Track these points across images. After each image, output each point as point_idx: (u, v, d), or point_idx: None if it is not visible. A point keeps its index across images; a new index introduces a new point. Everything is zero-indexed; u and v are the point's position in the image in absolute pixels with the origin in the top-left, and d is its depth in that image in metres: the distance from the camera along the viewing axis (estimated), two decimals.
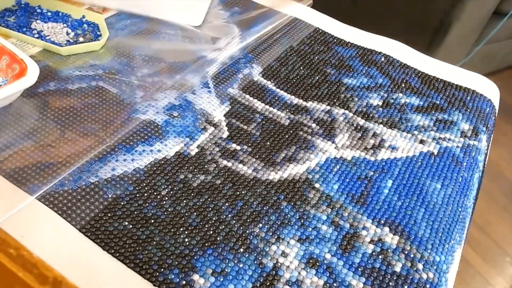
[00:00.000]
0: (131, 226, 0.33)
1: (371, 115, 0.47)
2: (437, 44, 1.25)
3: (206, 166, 0.39)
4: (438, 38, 1.24)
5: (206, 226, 0.34)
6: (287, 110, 0.46)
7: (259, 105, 0.46)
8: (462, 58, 1.33)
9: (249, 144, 0.42)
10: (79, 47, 0.47)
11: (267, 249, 0.34)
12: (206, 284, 0.31)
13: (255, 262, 0.33)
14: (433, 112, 0.49)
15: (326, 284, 0.32)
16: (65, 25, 0.50)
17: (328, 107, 0.47)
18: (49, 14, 0.51)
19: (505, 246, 1.12)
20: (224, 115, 0.44)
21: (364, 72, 0.53)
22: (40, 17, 0.51)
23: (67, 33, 0.49)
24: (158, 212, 0.34)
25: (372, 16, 1.32)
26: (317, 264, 0.33)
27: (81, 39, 0.49)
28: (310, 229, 0.35)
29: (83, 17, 0.52)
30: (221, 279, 0.31)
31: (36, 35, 0.48)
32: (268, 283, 0.32)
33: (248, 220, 0.35)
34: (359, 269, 0.33)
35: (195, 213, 0.35)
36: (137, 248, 0.32)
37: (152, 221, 0.34)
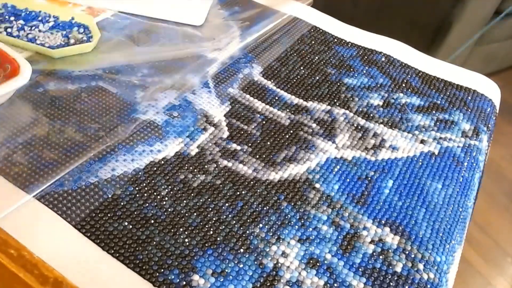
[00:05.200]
0: (131, 226, 0.33)
1: (371, 115, 0.47)
2: (438, 44, 1.25)
3: (206, 166, 0.39)
4: (439, 37, 1.24)
5: (206, 226, 0.34)
6: (288, 110, 0.46)
7: (259, 105, 0.46)
8: (462, 58, 1.32)
9: (250, 144, 0.41)
10: (71, 49, 0.47)
11: (267, 250, 0.33)
12: (206, 285, 0.31)
13: (255, 262, 0.33)
14: (433, 112, 0.49)
15: (326, 284, 0.32)
16: (55, 27, 0.50)
17: (329, 107, 0.47)
18: (37, 16, 0.51)
19: (506, 246, 1.12)
20: (224, 115, 0.44)
21: (364, 72, 0.53)
22: (28, 20, 0.50)
23: (58, 36, 0.49)
24: (158, 212, 0.34)
25: (372, 15, 1.32)
26: (318, 264, 0.33)
27: (72, 41, 0.49)
28: (311, 229, 0.35)
29: (72, 18, 0.51)
30: (221, 280, 0.31)
31: (25, 39, 0.48)
32: (268, 284, 0.32)
33: (248, 221, 0.35)
34: (360, 270, 0.33)
35: (195, 213, 0.35)
36: (137, 248, 0.32)
37: (152, 221, 0.34)
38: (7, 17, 0.50)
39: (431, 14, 1.24)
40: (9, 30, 0.48)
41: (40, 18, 0.51)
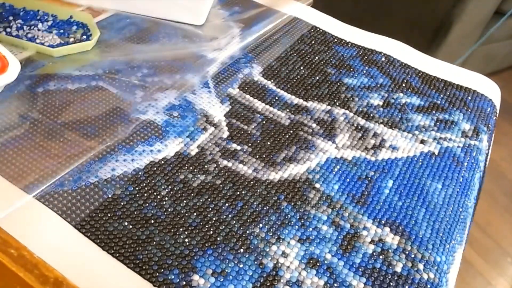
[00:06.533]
0: (131, 226, 0.33)
1: (371, 115, 0.47)
2: (438, 44, 1.25)
3: (206, 166, 0.39)
4: (439, 37, 1.24)
5: (206, 226, 0.34)
6: (288, 110, 0.46)
7: (259, 105, 0.46)
8: (461, 58, 1.32)
9: (249, 144, 0.41)
10: (71, 48, 0.47)
11: (267, 250, 0.33)
12: (206, 285, 0.31)
13: (255, 262, 0.33)
14: (433, 112, 0.49)
15: (326, 284, 0.32)
16: (54, 26, 0.50)
17: (329, 107, 0.47)
18: (35, 15, 0.51)
19: (506, 246, 1.12)
20: (224, 115, 0.44)
21: (364, 72, 0.53)
22: (27, 19, 0.50)
23: (57, 34, 0.49)
24: (158, 212, 0.34)
25: (373, 15, 1.32)
26: (318, 264, 0.33)
27: (71, 39, 0.49)
28: (311, 229, 0.35)
29: (71, 17, 0.51)
30: (221, 280, 0.31)
31: (25, 38, 0.47)
32: (268, 284, 0.32)
33: (248, 220, 0.35)
34: (360, 270, 0.33)
35: (195, 213, 0.35)
36: (137, 248, 0.32)
37: (152, 221, 0.34)
38: (5, 16, 0.50)
39: (431, 14, 1.24)
40: (8, 29, 0.48)
41: (38, 17, 0.51)
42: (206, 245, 0.33)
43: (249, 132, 0.43)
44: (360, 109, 0.48)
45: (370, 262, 0.34)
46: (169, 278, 0.31)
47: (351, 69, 0.53)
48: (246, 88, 0.47)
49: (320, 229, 0.35)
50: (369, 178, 0.40)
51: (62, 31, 0.50)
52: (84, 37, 0.49)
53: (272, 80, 0.49)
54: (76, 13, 0.51)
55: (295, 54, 0.54)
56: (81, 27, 0.51)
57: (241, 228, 0.34)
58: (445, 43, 1.24)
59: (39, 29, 0.49)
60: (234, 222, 0.35)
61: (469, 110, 0.50)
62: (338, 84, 0.51)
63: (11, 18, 0.50)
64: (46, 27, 0.50)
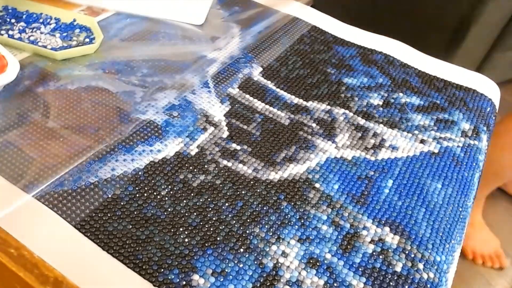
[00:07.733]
0: (131, 226, 0.33)
1: (371, 114, 0.47)
2: (456, 45, 1.24)
3: (206, 166, 0.39)
4: (458, 39, 1.23)
5: (206, 226, 0.34)
6: (287, 110, 0.46)
7: (259, 104, 0.46)
8: (480, 61, 1.30)
9: (249, 144, 0.41)
10: (74, 51, 0.47)
11: (267, 249, 0.33)
12: (206, 284, 0.31)
13: (255, 262, 0.33)
14: (433, 111, 0.49)
15: (326, 284, 0.32)
16: (57, 29, 0.50)
17: (328, 107, 0.47)
18: (37, 18, 0.51)
19: (506, 246, 1.12)
20: (224, 115, 0.44)
21: (364, 71, 0.53)
22: (29, 22, 0.50)
23: (60, 37, 0.49)
24: (158, 212, 0.34)
25: (391, 16, 1.31)
26: (318, 264, 0.33)
27: (74, 42, 0.49)
28: (310, 229, 0.35)
29: (74, 20, 0.51)
30: (221, 279, 0.31)
31: (27, 41, 0.47)
32: (268, 283, 0.32)
33: (248, 220, 0.35)
34: (360, 269, 0.33)
35: (195, 213, 0.35)
36: (137, 248, 0.32)
37: (152, 221, 0.34)
38: (8, 19, 0.50)
39: (450, 15, 1.22)
40: (10, 32, 0.48)
41: (41, 20, 0.51)
42: (206, 245, 0.33)
43: (249, 132, 0.43)
44: (360, 109, 0.48)
45: (370, 261, 0.34)
46: (169, 278, 0.31)
47: (351, 69, 0.53)
48: (246, 88, 0.47)
49: (320, 229, 0.36)
50: (369, 178, 0.40)
51: (65, 34, 0.50)
52: (87, 40, 0.49)
53: (271, 80, 0.49)
54: (79, 16, 0.51)
55: (294, 54, 0.54)
56: (84, 30, 0.50)
57: (241, 228, 0.34)
58: (463, 44, 1.23)
59: (41, 32, 0.49)
60: (234, 222, 0.35)
61: (469, 110, 0.50)
62: (338, 84, 0.51)
63: (13, 20, 0.50)
64: (49, 30, 0.50)
